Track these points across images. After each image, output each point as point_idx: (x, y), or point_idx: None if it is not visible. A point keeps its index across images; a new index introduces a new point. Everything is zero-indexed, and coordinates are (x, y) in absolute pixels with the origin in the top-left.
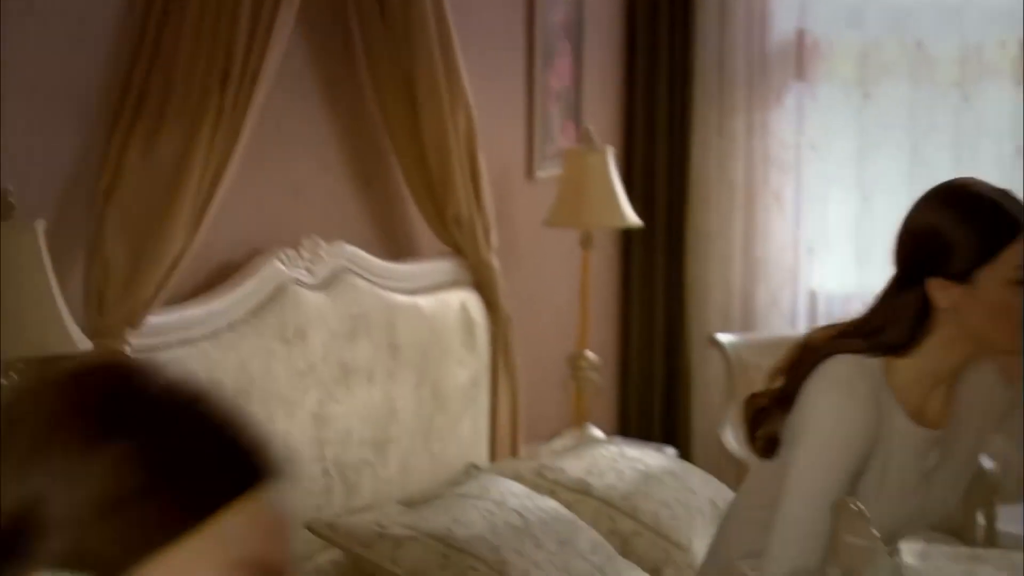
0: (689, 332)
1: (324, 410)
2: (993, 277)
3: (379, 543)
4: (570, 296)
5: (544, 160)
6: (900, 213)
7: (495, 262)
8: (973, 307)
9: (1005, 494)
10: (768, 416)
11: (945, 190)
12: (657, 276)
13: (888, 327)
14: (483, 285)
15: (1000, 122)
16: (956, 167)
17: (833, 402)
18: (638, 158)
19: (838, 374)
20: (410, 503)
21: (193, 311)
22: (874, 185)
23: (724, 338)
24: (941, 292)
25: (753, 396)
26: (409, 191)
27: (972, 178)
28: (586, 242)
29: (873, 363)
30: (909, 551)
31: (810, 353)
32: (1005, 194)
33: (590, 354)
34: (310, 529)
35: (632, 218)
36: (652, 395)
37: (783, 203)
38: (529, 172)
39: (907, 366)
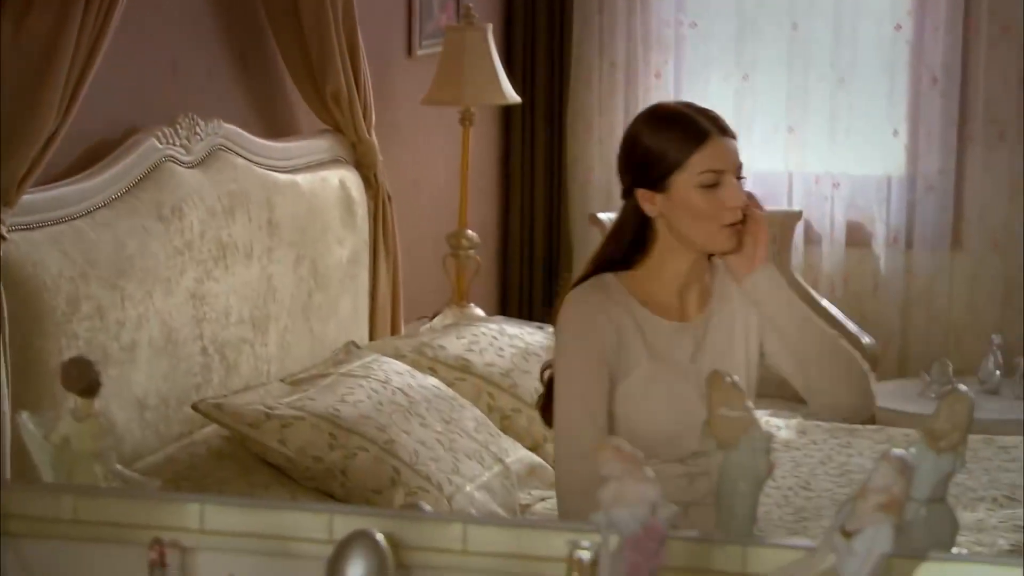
0: (570, 210)
1: (202, 288)
2: (684, 183)
3: (266, 423)
4: (450, 174)
5: (424, 37)
6: (780, 92)
7: (375, 140)
8: (673, 212)
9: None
10: None
11: (648, 109)
12: (538, 154)
13: (611, 244)
14: (362, 163)
15: (880, 1)
16: (836, 46)
17: (567, 316)
18: (518, 36)
19: (570, 296)
20: (291, 381)
21: (69, 189)
22: (754, 64)
23: (605, 216)
24: (646, 202)
25: (544, 367)
26: (287, 68)
27: (681, 101)
28: (466, 120)
29: (607, 278)
30: (788, 426)
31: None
32: (700, 110)
33: (470, 232)
34: (196, 410)
35: (512, 95)
36: (533, 273)
37: (664, 82)
38: (409, 49)
39: (643, 275)
